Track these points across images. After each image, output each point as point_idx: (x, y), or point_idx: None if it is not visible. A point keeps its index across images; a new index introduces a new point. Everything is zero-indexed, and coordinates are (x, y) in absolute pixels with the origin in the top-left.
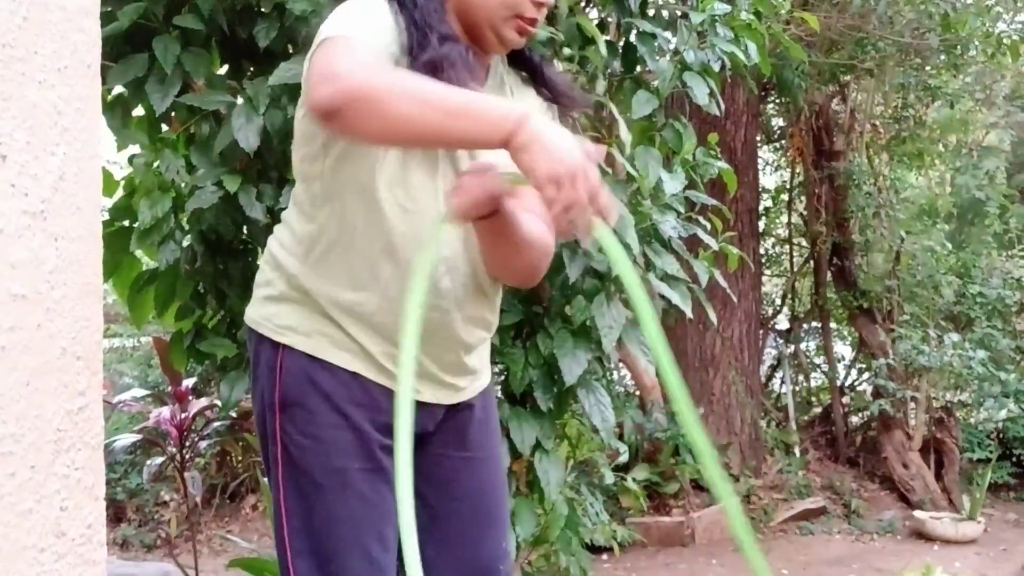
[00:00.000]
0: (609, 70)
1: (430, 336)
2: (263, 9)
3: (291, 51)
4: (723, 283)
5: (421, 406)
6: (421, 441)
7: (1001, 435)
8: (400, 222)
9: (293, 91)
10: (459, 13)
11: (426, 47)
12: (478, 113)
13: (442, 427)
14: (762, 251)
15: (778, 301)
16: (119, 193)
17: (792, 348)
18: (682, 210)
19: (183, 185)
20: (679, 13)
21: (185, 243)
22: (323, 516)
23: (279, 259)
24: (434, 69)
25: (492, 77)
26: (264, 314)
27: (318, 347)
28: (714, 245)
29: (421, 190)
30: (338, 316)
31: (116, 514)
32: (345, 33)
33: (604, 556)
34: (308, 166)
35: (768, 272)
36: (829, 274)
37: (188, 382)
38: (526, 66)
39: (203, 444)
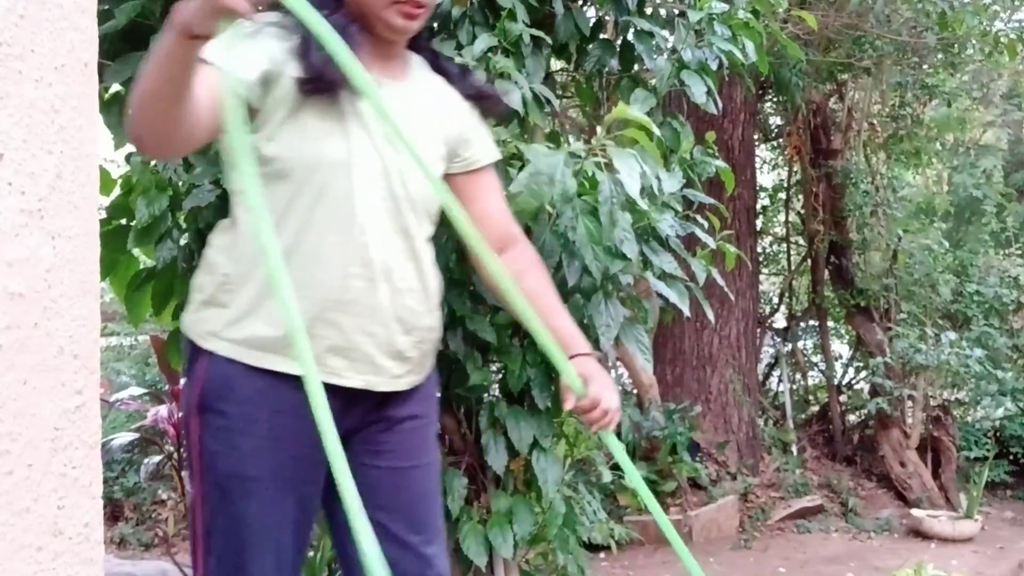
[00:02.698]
0: (607, 68)
1: (354, 306)
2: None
3: None
4: (721, 281)
5: (347, 395)
6: (345, 441)
7: (998, 433)
8: (304, 182)
9: None
10: (350, 8)
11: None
12: (158, 47)
13: (367, 434)
14: (760, 249)
15: (776, 299)
16: (116, 191)
17: (789, 346)
18: (680, 209)
19: (180, 183)
20: (677, 12)
21: (182, 241)
22: (228, 520)
23: (211, 261)
24: (312, 53)
25: (412, 75)
26: (193, 319)
27: (239, 352)
28: (712, 243)
29: (326, 147)
30: (265, 303)
31: (113, 513)
32: (206, 58)
33: (602, 554)
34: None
35: (766, 271)
36: (826, 272)
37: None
38: (443, 72)
39: None
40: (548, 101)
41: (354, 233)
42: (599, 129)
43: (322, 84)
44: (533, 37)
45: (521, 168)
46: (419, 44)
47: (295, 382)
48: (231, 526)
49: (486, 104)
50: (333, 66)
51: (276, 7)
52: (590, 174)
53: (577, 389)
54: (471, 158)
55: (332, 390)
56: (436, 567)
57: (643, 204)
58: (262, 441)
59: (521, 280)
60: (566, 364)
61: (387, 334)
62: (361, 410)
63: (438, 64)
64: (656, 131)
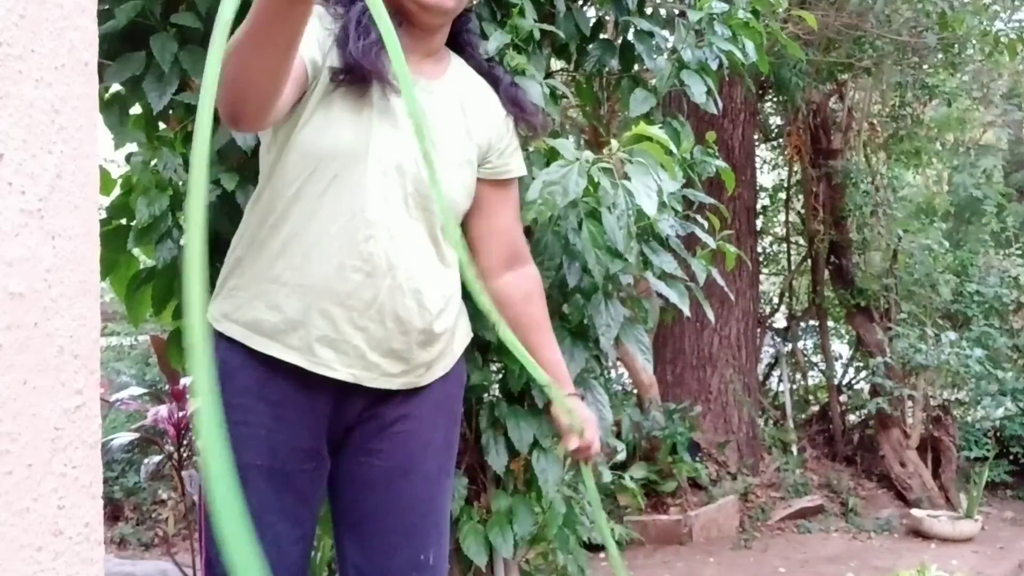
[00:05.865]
0: (607, 68)
1: (348, 299)
2: None
3: None
4: (721, 281)
5: (341, 389)
6: (343, 438)
7: (998, 433)
8: (323, 180)
9: None
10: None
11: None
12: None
13: (362, 433)
14: (760, 249)
15: (776, 299)
16: (116, 191)
17: (790, 346)
18: (680, 208)
19: (181, 183)
20: (677, 11)
21: (183, 241)
22: None
23: (232, 247)
24: (347, 35)
25: (448, 75)
26: (214, 301)
27: (243, 334)
28: (712, 243)
29: (344, 138)
30: (266, 287)
31: (114, 513)
32: None
33: (602, 554)
34: (265, 154)
35: (766, 270)
36: (827, 272)
37: (186, 380)
38: (490, 78)
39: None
40: (564, 96)
41: (358, 226)
42: (614, 142)
43: (354, 75)
44: (539, 34)
45: (548, 163)
46: (464, 45)
47: (290, 371)
48: None
49: (524, 117)
50: (368, 59)
51: None
52: (595, 180)
53: (579, 429)
54: (502, 167)
55: (325, 383)
56: (426, 574)
57: (655, 216)
58: (259, 430)
59: (525, 305)
60: (567, 403)
61: (381, 331)
62: (356, 407)
63: (486, 68)
64: (675, 149)
